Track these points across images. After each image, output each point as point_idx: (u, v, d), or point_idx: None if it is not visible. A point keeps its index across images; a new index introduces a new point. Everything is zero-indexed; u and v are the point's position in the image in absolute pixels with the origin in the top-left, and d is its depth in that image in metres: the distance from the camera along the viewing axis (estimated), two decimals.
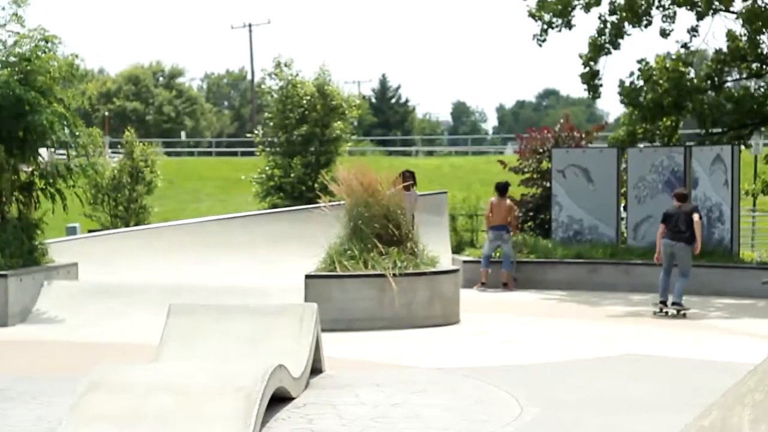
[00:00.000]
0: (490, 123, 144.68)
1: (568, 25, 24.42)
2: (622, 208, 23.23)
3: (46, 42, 16.95)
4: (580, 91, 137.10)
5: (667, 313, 16.88)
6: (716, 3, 23.81)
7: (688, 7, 24.24)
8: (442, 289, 15.73)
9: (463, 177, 49.12)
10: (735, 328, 15.46)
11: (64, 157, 18.21)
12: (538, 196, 25.35)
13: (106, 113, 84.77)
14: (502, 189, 21.77)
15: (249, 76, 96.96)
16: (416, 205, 18.83)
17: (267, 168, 34.48)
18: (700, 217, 17.25)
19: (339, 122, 33.89)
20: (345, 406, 9.22)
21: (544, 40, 24.72)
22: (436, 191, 25.10)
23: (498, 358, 12.43)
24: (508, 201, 21.91)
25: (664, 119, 24.46)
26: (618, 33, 24.30)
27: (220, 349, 10.06)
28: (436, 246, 17.79)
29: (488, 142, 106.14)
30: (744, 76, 26.39)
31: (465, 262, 21.86)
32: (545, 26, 24.55)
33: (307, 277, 15.21)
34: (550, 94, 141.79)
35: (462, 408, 9.21)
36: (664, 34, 24.62)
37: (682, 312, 16.84)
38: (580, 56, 24.80)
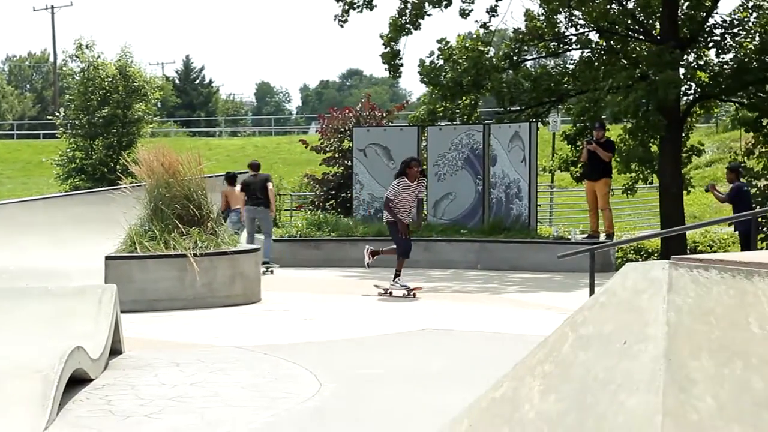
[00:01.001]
0: (294, 103, 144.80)
1: (369, 6, 24.48)
2: None
3: None
4: (382, 71, 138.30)
5: (272, 271, 19.51)
6: None
7: None
8: (243, 269, 15.58)
9: (266, 157, 48.97)
10: (532, 302, 15.78)
11: None
12: (340, 175, 25.39)
13: None
14: (231, 179, 21.47)
15: (51, 59, 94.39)
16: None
17: (68, 150, 33.68)
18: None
19: (141, 104, 33.34)
20: (144, 386, 9.01)
21: (345, 21, 24.71)
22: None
23: (299, 336, 12.36)
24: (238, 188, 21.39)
25: (464, 98, 24.78)
26: (419, 13, 24.45)
27: (19, 332, 9.71)
28: None
29: (292, 122, 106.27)
30: (542, 54, 26.98)
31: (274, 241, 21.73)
32: (346, 7, 24.54)
33: (107, 258, 14.85)
34: (353, 74, 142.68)
35: (261, 385, 9.11)
36: (464, 14, 24.88)
37: (270, 269, 19.21)
38: (382, 36, 24.89)
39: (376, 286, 16.69)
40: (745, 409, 4.46)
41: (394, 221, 16.22)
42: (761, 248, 17.68)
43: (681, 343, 4.55)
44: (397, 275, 16.31)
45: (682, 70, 23.87)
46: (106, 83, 32.96)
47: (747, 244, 16.02)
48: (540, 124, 24.90)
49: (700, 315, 4.70)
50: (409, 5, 24.45)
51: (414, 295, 16.05)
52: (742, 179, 20.43)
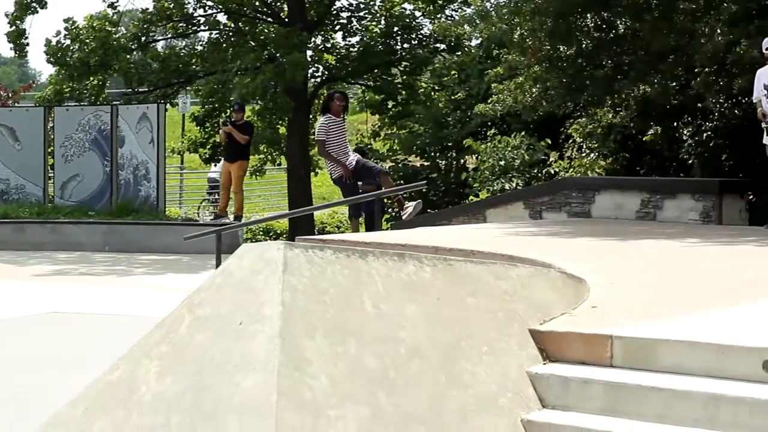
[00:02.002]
0: None
1: None
2: (49, 168, 22.74)
3: None
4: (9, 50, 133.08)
5: None
6: None
7: None
8: None
9: None
10: (159, 284, 15.60)
11: None
12: None
13: None
14: None
15: None
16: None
17: None
18: None
19: None
20: None
21: None
22: None
23: None
24: None
25: (91, 78, 24.24)
26: None
27: None
28: None
29: None
30: (171, 35, 26.75)
31: None
32: None
33: None
34: None
35: None
36: None
37: None
38: (7, 15, 23.96)
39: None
40: (359, 387, 4.57)
41: (340, 175, 14.32)
42: (386, 228, 18.27)
43: (296, 323, 4.60)
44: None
45: (309, 53, 24.32)
46: None
47: (371, 225, 16.50)
48: (169, 106, 24.71)
49: (315, 295, 4.77)
50: None
51: None
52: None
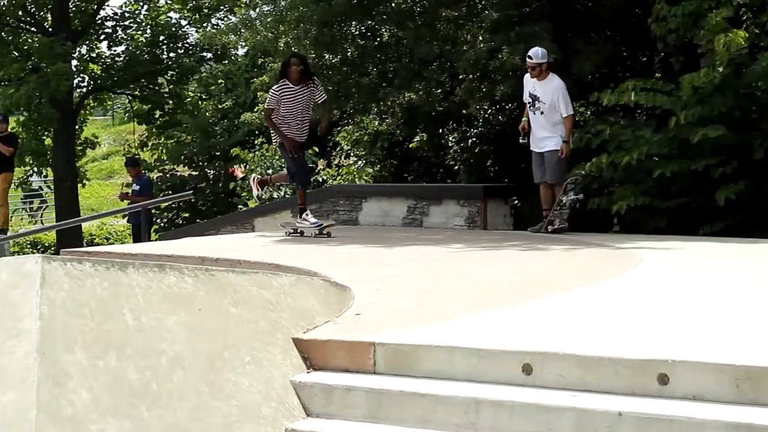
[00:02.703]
0: None
1: None
2: None
3: None
4: None
5: None
6: None
7: None
8: None
9: None
10: None
11: None
12: None
13: None
14: None
15: None
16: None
17: None
18: None
19: None
20: None
21: None
22: None
23: None
24: None
25: None
26: None
27: None
28: None
29: None
30: None
31: None
32: None
33: None
34: None
35: None
36: None
37: None
38: None
39: (282, 225, 13.66)
40: (120, 400, 4.55)
41: (282, 141, 12.66)
42: (155, 239, 18.06)
43: (55, 337, 4.55)
44: (302, 210, 12.89)
45: (74, 63, 23.86)
46: None
47: (139, 236, 16.31)
48: None
49: (75, 308, 4.72)
50: None
51: (329, 234, 12.75)
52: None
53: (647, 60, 15.84)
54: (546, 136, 12.58)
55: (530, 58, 12.47)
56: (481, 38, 15.30)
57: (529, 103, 12.64)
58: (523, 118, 12.86)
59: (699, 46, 12.54)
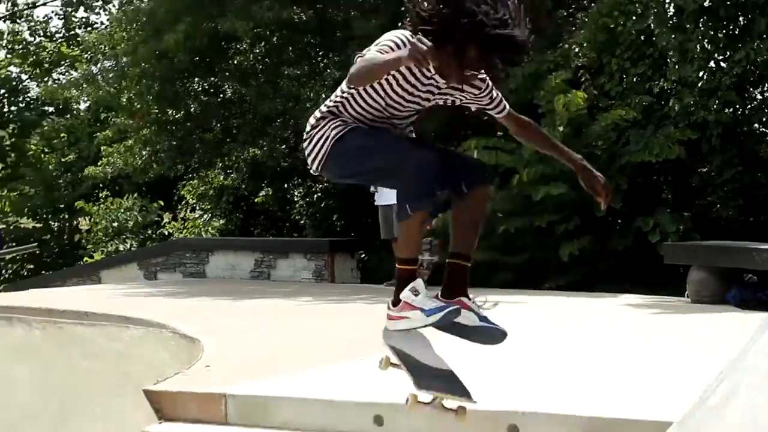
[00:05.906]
0: None
1: None
2: None
3: None
4: None
5: None
6: None
7: None
8: None
9: None
10: None
11: None
12: None
13: None
14: None
15: None
16: None
17: None
18: None
19: None
20: None
21: None
22: None
23: None
24: None
25: None
26: None
27: None
28: None
29: None
30: None
31: None
32: None
33: None
34: None
35: None
36: None
37: None
38: None
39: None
40: None
41: None
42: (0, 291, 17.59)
43: None
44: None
45: None
46: None
47: None
48: None
49: None
50: None
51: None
52: None
53: (489, 118, 16.10)
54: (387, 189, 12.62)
55: None
56: (324, 96, 15.40)
57: None
58: None
59: (539, 106, 12.86)
